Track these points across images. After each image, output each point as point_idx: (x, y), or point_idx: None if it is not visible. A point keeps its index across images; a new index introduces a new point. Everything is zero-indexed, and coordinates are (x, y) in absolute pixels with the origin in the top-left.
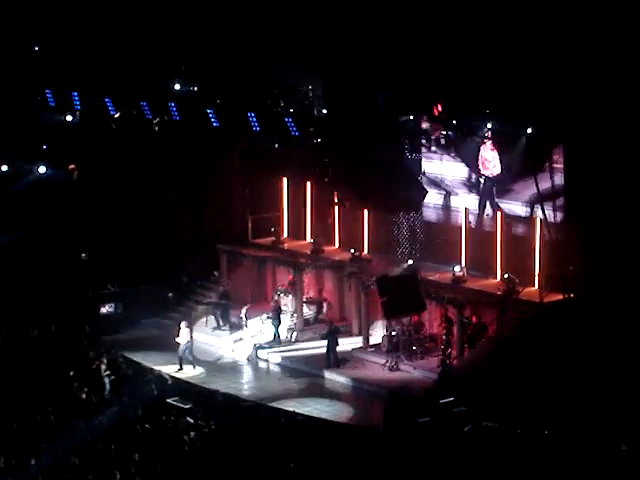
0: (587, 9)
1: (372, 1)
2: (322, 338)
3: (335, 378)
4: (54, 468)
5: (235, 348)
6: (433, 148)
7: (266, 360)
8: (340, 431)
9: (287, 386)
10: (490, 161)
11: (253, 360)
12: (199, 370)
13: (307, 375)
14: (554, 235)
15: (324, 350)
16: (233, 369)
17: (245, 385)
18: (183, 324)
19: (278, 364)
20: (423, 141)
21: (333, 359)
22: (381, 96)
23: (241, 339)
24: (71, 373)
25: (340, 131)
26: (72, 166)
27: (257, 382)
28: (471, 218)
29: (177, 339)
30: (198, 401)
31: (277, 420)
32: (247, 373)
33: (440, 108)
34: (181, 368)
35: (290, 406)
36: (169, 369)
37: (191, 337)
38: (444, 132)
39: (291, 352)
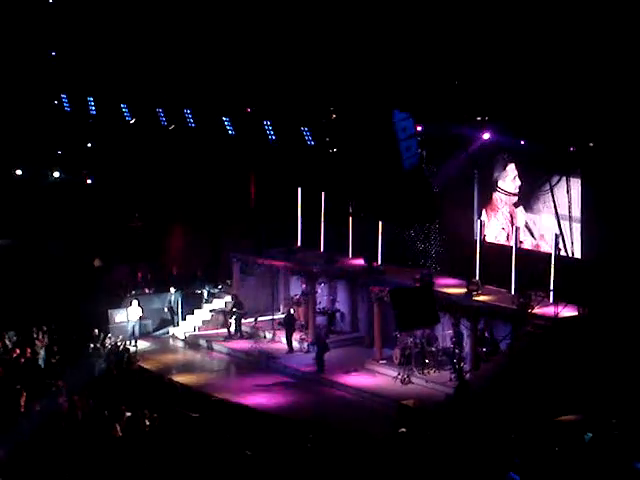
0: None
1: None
2: (310, 345)
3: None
4: None
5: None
6: None
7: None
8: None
9: None
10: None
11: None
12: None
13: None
14: (571, 251)
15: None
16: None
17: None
18: (135, 302)
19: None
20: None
21: (320, 365)
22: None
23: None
24: None
25: (355, 141)
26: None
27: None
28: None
29: (129, 316)
30: None
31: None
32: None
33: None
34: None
35: None
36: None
37: (142, 314)
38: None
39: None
